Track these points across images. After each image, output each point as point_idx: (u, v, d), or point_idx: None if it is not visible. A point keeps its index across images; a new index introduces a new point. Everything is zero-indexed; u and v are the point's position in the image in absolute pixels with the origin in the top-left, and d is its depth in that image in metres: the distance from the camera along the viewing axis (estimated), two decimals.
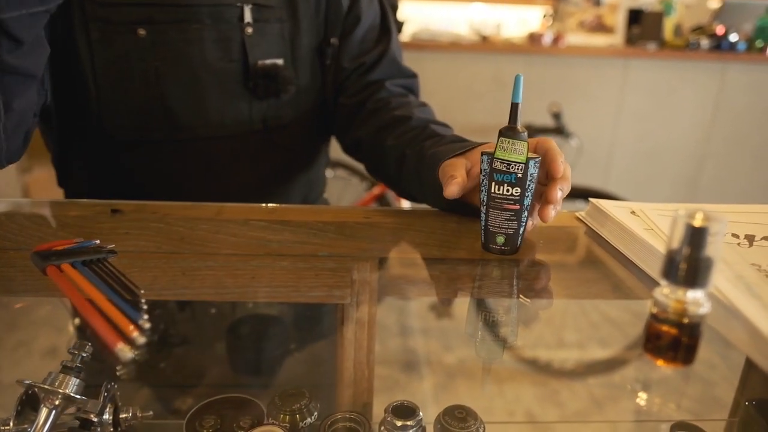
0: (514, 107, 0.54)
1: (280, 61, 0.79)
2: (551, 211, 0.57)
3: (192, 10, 0.72)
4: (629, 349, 0.58)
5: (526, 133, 0.54)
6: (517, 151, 0.53)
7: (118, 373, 0.49)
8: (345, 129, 0.87)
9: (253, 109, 0.79)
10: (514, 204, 0.55)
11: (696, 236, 0.33)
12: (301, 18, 0.80)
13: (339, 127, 0.89)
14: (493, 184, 0.55)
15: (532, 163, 0.54)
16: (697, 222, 0.33)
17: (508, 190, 0.55)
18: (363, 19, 0.84)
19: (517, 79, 0.53)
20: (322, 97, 0.87)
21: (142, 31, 0.71)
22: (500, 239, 0.57)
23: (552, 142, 0.58)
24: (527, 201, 0.55)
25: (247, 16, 0.75)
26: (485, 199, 0.56)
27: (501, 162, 0.54)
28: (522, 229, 0.57)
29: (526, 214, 0.56)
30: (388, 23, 0.88)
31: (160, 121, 0.74)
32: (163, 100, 0.73)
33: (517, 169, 0.54)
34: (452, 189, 0.58)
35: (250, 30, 0.76)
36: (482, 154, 0.56)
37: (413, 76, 0.89)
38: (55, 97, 0.73)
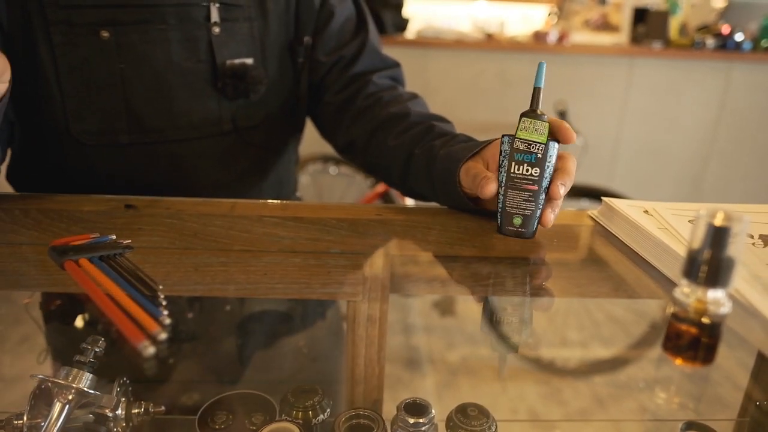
0: (536, 91, 0.57)
1: (249, 61, 0.77)
2: (550, 215, 0.58)
3: (156, 10, 0.70)
4: (641, 348, 0.58)
5: (546, 116, 0.56)
6: (538, 131, 0.55)
7: (145, 370, 0.49)
8: (334, 128, 0.85)
9: (222, 109, 0.77)
10: (533, 184, 0.56)
11: (718, 236, 0.33)
12: (270, 16, 0.78)
13: (327, 126, 0.87)
14: (513, 164, 0.56)
15: (552, 144, 0.56)
16: (720, 222, 0.33)
17: (527, 170, 0.56)
18: (337, 14, 0.83)
19: (540, 66, 0.56)
20: (294, 97, 0.85)
21: (105, 33, 0.68)
22: (517, 220, 0.58)
23: (565, 123, 0.59)
24: (545, 183, 0.57)
25: (214, 16, 0.73)
26: (504, 180, 0.57)
27: (522, 142, 0.56)
28: (538, 212, 0.58)
29: (542, 196, 0.57)
30: (364, 15, 0.86)
31: (126, 125, 0.72)
32: (129, 103, 0.71)
33: (538, 149, 0.55)
34: (491, 187, 0.58)
35: (217, 29, 0.74)
36: (503, 136, 0.58)
37: (396, 65, 0.87)
38: (17, 105, 0.71)
